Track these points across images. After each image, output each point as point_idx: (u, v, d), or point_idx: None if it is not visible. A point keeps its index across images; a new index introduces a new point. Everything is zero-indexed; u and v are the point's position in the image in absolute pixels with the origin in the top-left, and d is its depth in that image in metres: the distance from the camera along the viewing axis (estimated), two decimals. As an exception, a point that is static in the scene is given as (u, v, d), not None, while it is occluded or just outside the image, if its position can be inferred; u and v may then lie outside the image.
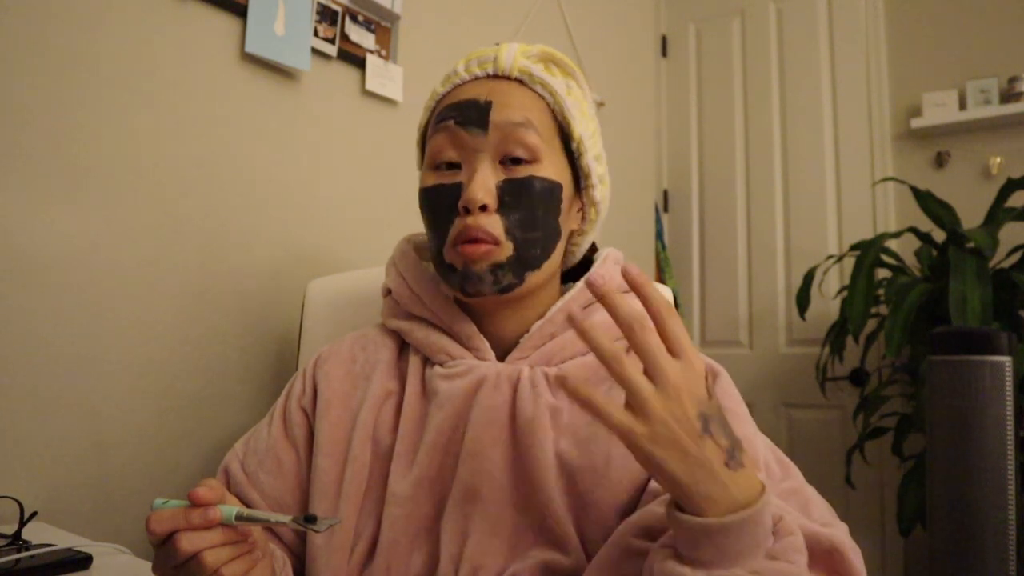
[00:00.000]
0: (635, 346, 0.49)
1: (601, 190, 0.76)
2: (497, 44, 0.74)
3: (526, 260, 0.68)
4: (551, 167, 0.70)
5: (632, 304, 0.51)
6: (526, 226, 0.67)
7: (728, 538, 0.48)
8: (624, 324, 0.49)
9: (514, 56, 0.72)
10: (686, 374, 0.49)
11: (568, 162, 0.73)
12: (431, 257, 0.72)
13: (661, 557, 0.51)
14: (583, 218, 0.76)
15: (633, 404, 0.48)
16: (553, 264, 0.72)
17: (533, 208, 0.68)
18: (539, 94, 0.71)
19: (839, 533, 0.57)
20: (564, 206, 0.71)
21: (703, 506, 0.48)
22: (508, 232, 0.67)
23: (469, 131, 0.68)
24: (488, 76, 0.72)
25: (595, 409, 0.48)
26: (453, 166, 0.69)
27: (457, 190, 0.68)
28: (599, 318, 0.71)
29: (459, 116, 0.69)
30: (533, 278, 0.69)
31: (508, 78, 0.71)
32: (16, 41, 0.92)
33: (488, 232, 0.66)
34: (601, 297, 0.51)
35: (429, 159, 0.71)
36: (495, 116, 0.68)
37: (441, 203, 0.69)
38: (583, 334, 0.49)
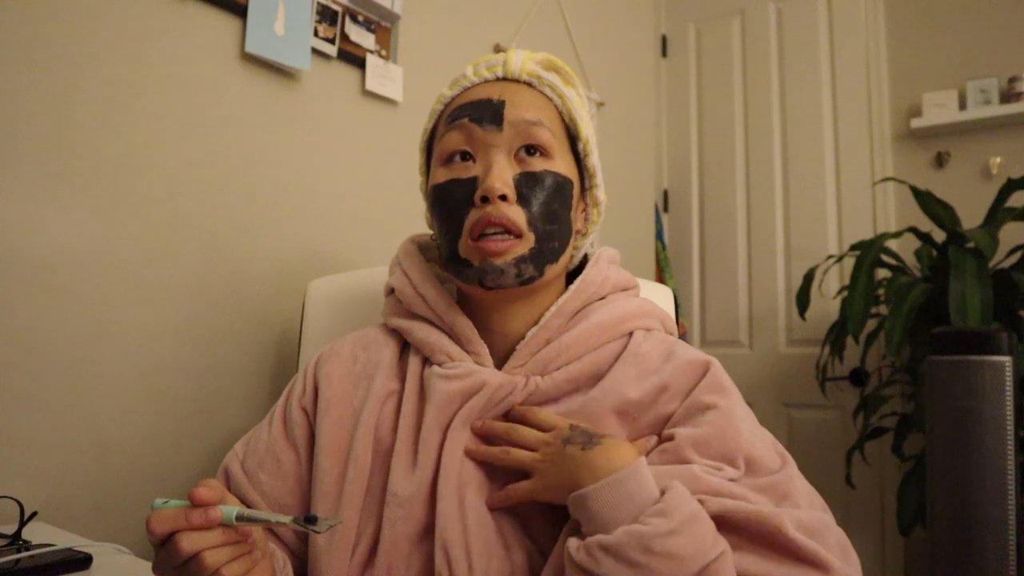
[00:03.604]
0: (514, 443, 0.66)
1: (603, 191, 0.78)
2: (503, 51, 0.75)
3: (546, 252, 0.69)
4: (563, 164, 0.72)
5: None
6: (546, 219, 0.69)
7: (595, 507, 0.56)
8: (503, 435, 0.67)
9: (522, 60, 0.73)
10: (553, 433, 0.65)
11: (574, 161, 0.75)
12: (442, 253, 0.72)
13: (568, 537, 0.59)
14: (586, 218, 0.78)
15: (528, 472, 0.65)
16: (565, 260, 0.73)
17: (550, 201, 0.69)
18: (548, 96, 0.73)
19: (782, 513, 0.55)
20: (574, 203, 0.73)
21: (578, 490, 0.58)
22: (530, 223, 0.68)
23: (484, 127, 0.69)
24: (497, 79, 0.73)
25: (509, 494, 0.65)
26: (467, 157, 0.70)
27: (472, 183, 0.68)
28: (595, 319, 0.72)
29: (474, 113, 0.70)
30: (550, 271, 0.71)
31: (517, 81, 0.73)
32: (16, 41, 0.92)
33: (512, 220, 0.66)
34: (483, 434, 0.69)
35: (440, 155, 0.72)
36: (509, 114, 0.69)
37: (456, 197, 0.69)
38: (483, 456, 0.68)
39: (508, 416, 0.69)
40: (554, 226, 0.69)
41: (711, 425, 0.64)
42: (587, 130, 0.75)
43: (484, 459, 0.66)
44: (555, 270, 0.71)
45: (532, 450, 0.64)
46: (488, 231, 0.66)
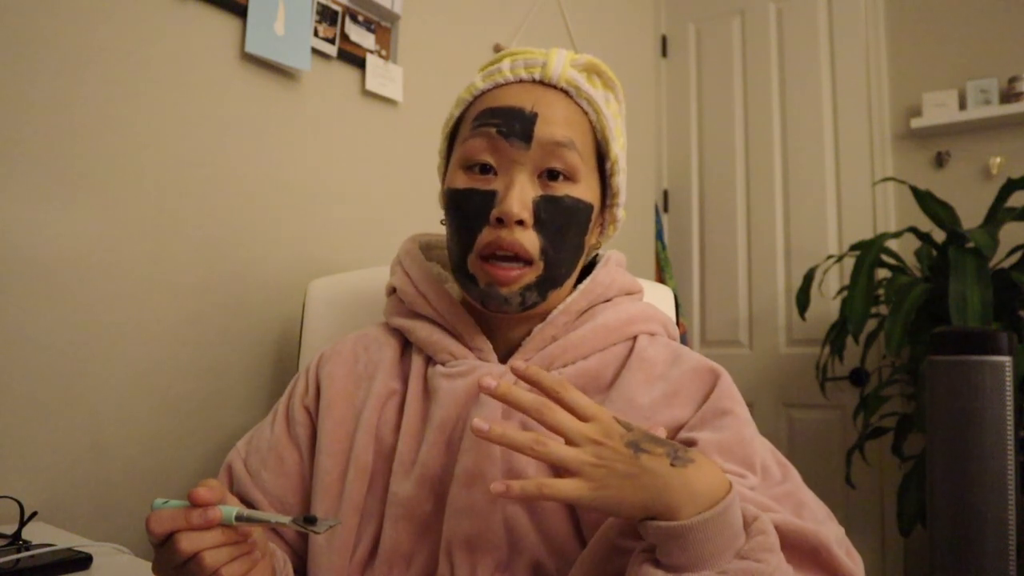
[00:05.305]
0: (548, 426, 0.53)
1: (623, 209, 0.77)
2: (503, 50, 0.74)
3: (553, 279, 0.68)
4: (587, 188, 0.70)
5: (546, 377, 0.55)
6: (558, 245, 0.67)
7: (694, 540, 0.49)
8: (532, 410, 0.53)
9: (563, 65, 0.70)
10: (598, 428, 0.53)
11: (599, 180, 0.73)
12: (451, 258, 0.71)
13: (640, 560, 0.53)
14: (601, 233, 0.77)
15: (570, 472, 0.51)
16: (570, 282, 0.73)
17: (566, 228, 0.68)
18: (583, 110, 0.70)
19: (826, 531, 0.57)
20: (591, 226, 0.72)
21: (670, 515, 0.50)
22: (543, 251, 0.66)
23: (511, 142, 0.66)
24: (534, 82, 0.70)
25: (542, 491, 0.51)
26: (488, 170, 0.68)
27: (491, 198, 0.66)
28: (601, 320, 0.72)
29: (503, 125, 0.67)
30: (553, 296, 0.70)
31: (555, 87, 0.70)
32: (16, 40, 0.92)
33: (524, 248, 0.65)
34: (501, 397, 0.54)
35: (462, 159, 0.69)
36: (539, 131, 0.67)
37: (472, 208, 0.67)
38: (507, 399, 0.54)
39: (532, 383, 0.56)
40: (565, 253, 0.68)
41: (730, 430, 0.64)
42: (618, 149, 0.73)
43: (508, 447, 0.53)
44: (559, 294, 0.71)
45: (571, 442, 0.52)
46: (498, 254, 0.66)
